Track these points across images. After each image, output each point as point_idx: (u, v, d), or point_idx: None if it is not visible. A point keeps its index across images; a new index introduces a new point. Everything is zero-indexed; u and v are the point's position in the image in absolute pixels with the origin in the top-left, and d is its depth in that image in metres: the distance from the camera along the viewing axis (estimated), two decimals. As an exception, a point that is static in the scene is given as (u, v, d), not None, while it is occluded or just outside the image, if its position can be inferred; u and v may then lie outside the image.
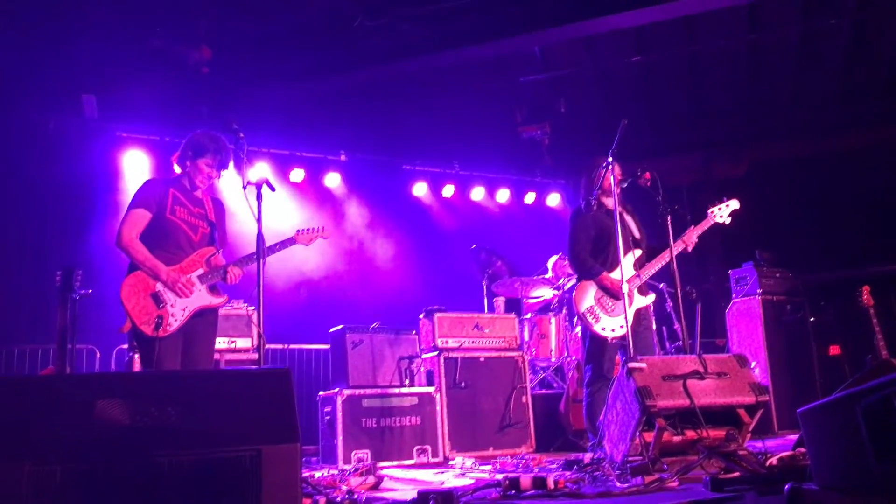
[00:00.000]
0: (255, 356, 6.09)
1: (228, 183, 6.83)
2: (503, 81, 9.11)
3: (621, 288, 4.84)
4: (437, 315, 6.53)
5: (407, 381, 6.37)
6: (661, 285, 6.86)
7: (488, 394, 6.42)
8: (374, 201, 9.69)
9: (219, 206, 4.68)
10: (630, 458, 3.96)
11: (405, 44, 8.01)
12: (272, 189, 4.19)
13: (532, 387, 6.88)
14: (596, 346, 5.16)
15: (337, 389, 5.94)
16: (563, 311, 7.62)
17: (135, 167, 8.09)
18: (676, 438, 3.97)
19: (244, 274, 4.47)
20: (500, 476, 3.79)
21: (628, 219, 5.35)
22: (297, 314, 8.34)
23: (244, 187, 4.09)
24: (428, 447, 6.06)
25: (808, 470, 2.92)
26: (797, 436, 4.63)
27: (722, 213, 5.27)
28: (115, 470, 2.45)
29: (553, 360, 7.54)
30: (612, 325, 5.09)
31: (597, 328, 5.10)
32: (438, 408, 6.18)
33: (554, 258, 8.22)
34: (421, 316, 6.73)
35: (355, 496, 3.48)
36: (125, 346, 6.70)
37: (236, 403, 2.66)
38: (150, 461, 2.47)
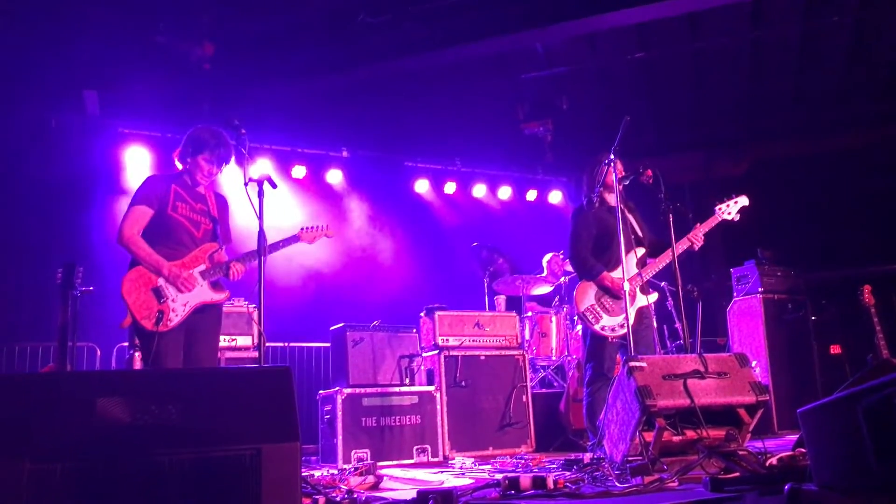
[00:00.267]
0: (256, 354, 6.09)
1: (230, 179, 6.83)
2: (505, 78, 9.10)
3: (622, 287, 4.83)
4: (437, 313, 6.53)
5: (407, 380, 6.37)
6: (663, 284, 6.85)
7: (488, 393, 6.42)
8: (375, 198, 9.68)
9: (222, 202, 4.68)
10: (630, 458, 3.95)
11: (407, 41, 8.00)
12: (274, 186, 4.17)
13: (532, 386, 6.88)
14: (596, 344, 5.15)
15: (337, 388, 5.94)
16: (564, 310, 7.62)
17: (136, 163, 8.09)
18: (676, 438, 3.96)
19: (246, 270, 4.47)
20: (499, 476, 3.79)
21: (630, 216, 5.34)
22: (297, 312, 8.34)
23: (246, 184, 4.09)
24: (428, 446, 6.06)
25: (808, 470, 2.92)
26: (797, 436, 4.62)
27: (730, 209, 5.25)
28: (115, 468, 2.45)
29: (554, 358, 7.55)
30: (612, 324, 5.09)
31: (597, 327, 5.09)
32: (438, 407, 6.18)
33: (548, 256, 8.21)
34: (422, 314, 6.73)
35: (355, 496, 3.48)
36: (125, 343, 6.71)
37: (236, 402, 2.65)
38: (150, 459, 2.47)
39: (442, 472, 5.17)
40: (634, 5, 7.50)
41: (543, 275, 8.16)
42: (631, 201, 5.47)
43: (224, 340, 6.55)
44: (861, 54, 8.89)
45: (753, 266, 7.43)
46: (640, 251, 5.27)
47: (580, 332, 6.10)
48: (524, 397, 6.54)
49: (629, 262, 5.06)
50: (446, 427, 6.14)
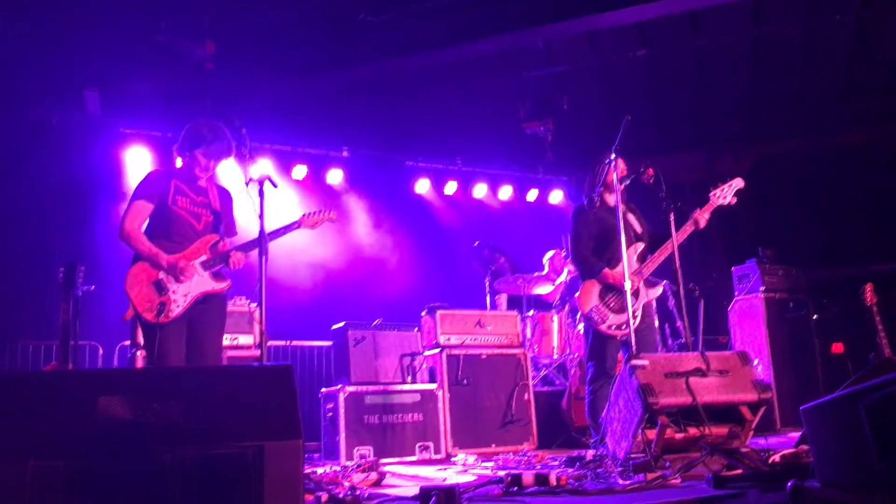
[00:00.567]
0: (258, 353, 6.09)
1: (231, 179, 6.84)
2: (506, 77, 9.10)
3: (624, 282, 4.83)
4: (439, 312, 6.53)
5: (409, 378, 6.37)
6: (665, 282, 6.85)
7: (490, 391, 6.42)
8: (376, 198, 9.68)
9: (225, 195, 4.70)
10: (632, 456, 3.96)
11: (408, 39, 8.00)
12: (274, 185, 4.18)
13: (534, 384, 6.88)
14: (598, 342, 5.15)
15: (339, 386, 5.94)
16: (566, 308, 7.62)
17: (138, 163, 8.09)
18: (679, 436, 3.96)
19: (247, 259, 4.47)
20: (502, 473, 3.79)
21: (631, 215, 5.34)
22: (299, 311, 8.34)
23: (246, 184, 4.10)
24: (430, 444, 6.06)
25: (810, 467, 2.92)
26: (800, 433, 4.63)
27: (725, 193, 5.24)
28: (117, 466, 2.45)
29: (555, 357, 7.55)
30: (618, 322, 5.08)
31: (604, 327, 5.09)
32: (441, 405, 6.18)
33: (550, 253, 8.22)
34: (423, 313, 6.73)
35: (357, 493, 3.48)
36: (127, 342, 6.71)
37: (239, 400, 2.66)
38: (152, 457, 2.47)
39: (444, 469, 5.17)
40: (635, 4, 7.49)
41: (545, 272, 8.17)
42: (632, 201, 5.47)
43: (226, 339, 6.54)
44: (862, 52, 8.88)
45: (755, 265, 7.42)
46: (640, 247, 5.27)
47: (581, 331, 6.10)
48: (526, 395, 6.53)
49: (629, 259, 5.05)
50: (449, 424, 6.14)
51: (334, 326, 6.53)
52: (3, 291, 7.33)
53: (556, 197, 10.68)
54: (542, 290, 8.15)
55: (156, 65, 7.66)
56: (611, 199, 5.24)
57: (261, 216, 4.10)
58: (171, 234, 4.35)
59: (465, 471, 4.92)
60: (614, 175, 5.01)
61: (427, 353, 6.53)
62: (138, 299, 4.17)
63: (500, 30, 7.86)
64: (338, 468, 4.66)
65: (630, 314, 4.77)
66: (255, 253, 4.18)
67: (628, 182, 5.10)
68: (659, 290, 5.33)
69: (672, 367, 4.08)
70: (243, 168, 4.14)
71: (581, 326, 6.20)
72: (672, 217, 4.90)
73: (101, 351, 7.36)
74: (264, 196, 4.15)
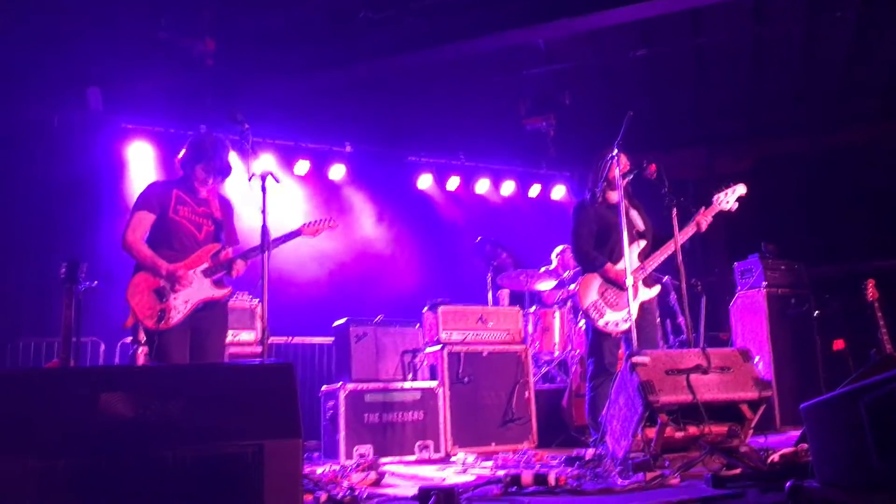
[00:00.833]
0: (259, 349, 6.09)
1: (234, 175, 6.83)
2: (508, 74, 9.08)
3: (626, 278, 4.83)
4: (441, 308, 6.52)
5: (410, 376, 6.37)
6: (666, 278, 6.84)
7: (491, 389, 6.41)
8: (378, 193, 9.69)
9: (226, 205, 4.76)
10: (632, 455, 3.96)
11: (409, 37, 7.98)
12: (277, 181, 4.21)
13: (535, 381, 6.88)
14: (599, 339, 5.15)
15: (340, 384, 5.94)
16: (568, 305, 7.62)
17: (140, 159, 8.10)
18: (678, 434, 3.96)
19: (248, 266, 4.53)
20: (501, 472, 3.79)
21: (633, 211, 5.33)
22: (300, 307, 8.34)
23: (249, 179, 4.12)
24: (430, 443, 6.06)
25: (810, 467, 2.92)
26: (800, 432, 4.62)
27: (728, 198, 5.24)
28: (118, 464, 2.46)
29: (556, 354, 7.54)
30: (616, 319, 5.08)
31: (601, 323, 5.09)
32: (441, 403, 6.17)
33: (559, 248, 8.22)
34: (425, 309, 6.72)
35: (356, 492, 3.48)
36: (129, 339, 6.72)
37: (239, 398, 2.66)
38: (153, 455, 2.47)
39: (444, 468, 5.17)
40: (637, 2, 7.47)
41: (553, 266, 8.17)
42: (635, 198, 5.46)
43: (227, 335, 6.55)
44: (863, 50, 8.85)
45: (757, 260, 7.40)
46: (642, 244, 5.27)
47: (583, 327, 6.10)
48: (526, 393, 6.53)
49: (631, 256, 5.04)
50: (449, 423, 6.14)
51: (335, 323, 6.53)
52: (5, 288, 7.35)
53: (559, 192, 10.67)
54: (545, 285, 8.14)
55: (157, 61, 7.66)
56: (613, 195, 5.24)
57: (263, 211, 4.13)
58: (172, 243, 4.42)
59: (465, 470, 4.92)
60: (617, 171, 5.01)
61: (428, 349, 6.53)
62: (139, 307, 4.24)
63: (501, 28, 7.84)
64: (337, 468, 4.67)
65: (630, 311, 4.78)
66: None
67: (631, 178, 5.10)
68: (658, 289, 5.33)
69: (673, 364, 4.07)
70: (246, 163, 4.16)
71: (582, 323, 6.21)
72: (674, 213, 4.89)
73: (102, 347, 7.37)
74: (267, 191, 4.17)
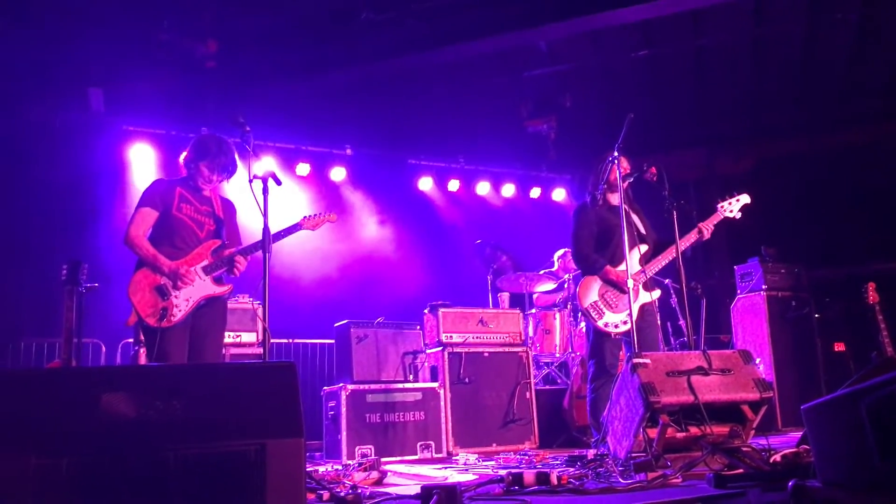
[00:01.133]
0: (260, 350, 6.11)
1: (235, 177, 6.84)
2: (509, 76, 9.10)
3: (626, 281, 4.83)
4: (441, 310, 6.53)
5: (411, 377, 6.38)
6: (667, 281, 6.85)
7: (492, 389, 6.43)
8: (379, 195, 9.70)
9: (228, 205, 4.79)
10: (633, 455, 3.96)
11: (411, 38, 8.00)
12: (278, 183, 4.22)
13: (536, 382, 6.89)
14: (599, 341, 5.15)
15: (341, 384, 5.95)
16: (568, 307, 7.62)
17: (141, 161, 8.13)
18: (680, 435, 3.96)
19: (248, 261, 4.54)
20: (503, 472, 3.79)
21: (634, 215, 5.33)
22: (301, 309, 8.36)
23: (250, 181, 4.12)
24: (431, 443, 6.07)
25: (811, 467, 2.92)
26: (801, 433, 4.62)
27: (732, 207, 5.25)
28: (120, 463, 2.45)
29: (557, 355, 7.55)
30: (615, 321, 5.09)
31: (600, 324, 5.10)
32: (442, 403, 6.18)
33: (560, 251, 8.23)
34: (425, 311, 6.73)
35: (359, 491, 3.48)
36: (130, 339, 6.72)
37: (241, 397, 2.66)
38: (155, 454, 2.47)
39: (445, 467, 5.17)
40: (638, 3, 7.49)
41: (554, 269, 8.17)
42: (636, 202, 5.47)
43: (228, 336, 6.57)
44: (864, 51, 8.86)
45: (757, 263, 7.41)
46: (643, 248, 5.26)
47: (584, 329, 6.11)
48: (528, 394, 6.54)
49: (632, 259, 5.05)
50: (450, 423, 6.15)
51: (337, 324, 6.54)
52: (6, 289, 7.35)
53: (559, 195, 10.69)
54: (545, 287, 8.15)
55: (158, 63, 7.67)
56: (613, 198, 5.25)
57: (264, 213, 4.13)
58: (174, 241, 4.44)
59: (467, 470, 4.92)
60: (617, 173, 5.02)
61: (429, 351, 6.54)
62: (141, 305, 4.25)
63: (503, 29, 7.86)
64: (339, 467, 4.67)
65: (631, 313, 4.78)
66: (259, 250, 4.22)
67: (631, 180, 5.11)
68: (658, 293, 5.33)
69: (674, 366, 4.07)
70: (247, 165, 4.16)
71: (583, 325, 6.21)
72: (675, 216, 4.89)
73: (104, 348, 7.37)
74: (268, 193, 4.17)
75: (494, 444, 6.23)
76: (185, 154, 4.66)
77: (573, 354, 7.32)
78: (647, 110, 9.74)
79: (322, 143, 9.26)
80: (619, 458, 4.05)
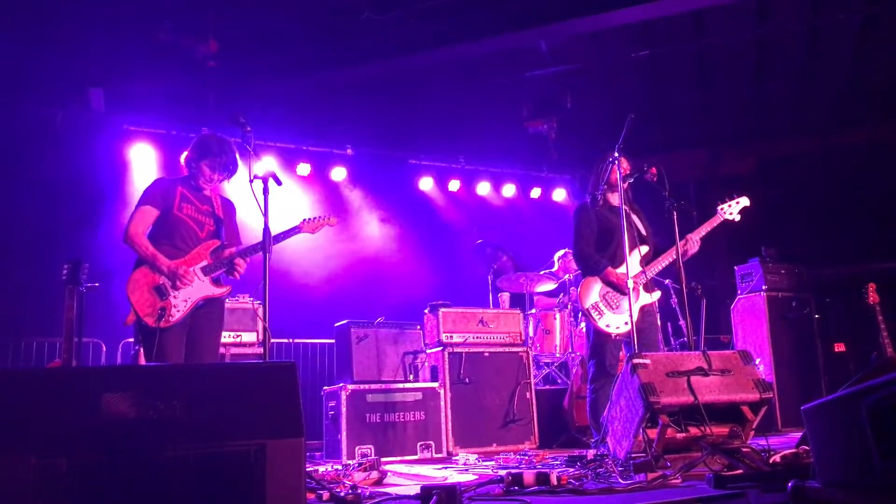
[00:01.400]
0: (260, 350, 6.11)
1: (236, 176, 6.85)
2: (509, 76, 9.09)
3: (626, 283, 4.83)
4: (441, 310, 6.54)
5: (411, 377, 6.38)
6: (667, 281, 6.86)
7: (492, 389, 6.43)
8: (379, 195, 9.71)
9: (228, 205, 4.81)
10: (633, 455, 3.96)
11: (411, 38, 8.00)
12: (279, 183, 4.22)
13: (536, 382, 6.89)
14: (599, 341, 5.15)
15: (341, 384, 5.95)
16: (569, 307, 7.62)
17: (142, 160, 8.14)
18: (680, 435, 3.96)
19: (248, 263, 4.55)
20: (503, 472, 3.79)
21: (634, 216, 5.33)
22: (302, 309, 8.36)
23: (251, 181, 4.13)
24: (431, 443, 6.08)
25: (811, 468, 2.91)
26: (801, 433, 4.63)
27: (732, 210, 5.24)
28: (120, 463, 2.45)
29: (557, 355, 7.55)
30: (616, 322, 5.09)
31: (601, 324, 5.10)
32: (442, 403, 6.19)
33: (560, 252, 8.23)
34: (426, 311, 6.74)
35: (359, 491, 3.49)
36: (131, 339, 6.73)
37: (241, 397, 2.66)
38: (155, 454, 2.47)
39: (445, 468, 5.18)
40: (639, 3, 7.48)
41: (554, 269, 8.17)
42: (635, 203, 5.46)
43: (229, 336, 6.58)
44: (867, 52, 8.85)
45: (757, 264, 7.41)
46: (644, 249, 5.26)
47: (584, 329, 6.11)
48: (528, 394, 6.54)
49: (632, 260, 5.05)
50: (450, 423, 6.15)
51: (337, 324, 6.54)
52: (7, 289, 7.35)
53: (560, 195, 10.68)
54: (545, 287, 8.15)
55: (159, 63, 7.67)
56: (614, 198, 5.25)
57: (265, 213, 4.13)
58: (174, 240, 4.45)
59: (467, 470, 4.92)
60: (618, 173, 5.02)
61: (429, 350, 6.54)
62: (139, 304, 4.26)
63: (503, 29, 7.85)
64: (339, 467, 4.68)
65: (631, 314, 4.78)
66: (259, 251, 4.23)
67: (632, 181, 5.10)
68: (659, 294, 5.34)
69: (674, 367, 4.08)
70: (248, 165, 4.16)
71: (583, 325, 6.22)
72: (675, 216, 4.89)
73: (104, 348, 7.38)
74: (269, 193, 4.17)
75: (494, 445, 6.23)
76: (186, 153, 4.68)
77: (573, 354, 7.32)
78: (647, 111, 9.75)
79: (323, 142, 9.26)
80: (619, 458, 4.05)
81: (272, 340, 4.16)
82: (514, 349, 6.65)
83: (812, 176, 9.86)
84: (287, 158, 8.95)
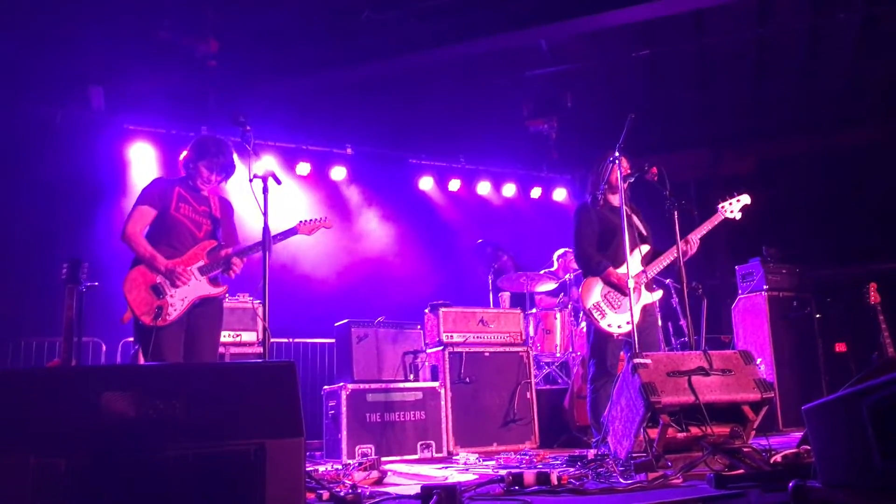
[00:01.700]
0: (260, 350, 6.10)
1: (235, 176, 6.84)
2: (510, 76, 9.09)
3: (627, 283, 4.83)
4: (442, 310, 6.53)
5: (411, 376, 6.38)
6: (668, 281, 6.85)
7: (493, 389, 6.43)
8: (379, 195, 9.70)
9: (226, 205, 4.81)
10: (634, 455, 3.95)
11: (411, 38, 8.00)
12: (278, 182, 4.22)
13: (536, 382, 6.89)
14: (600, 341, 5.15)
15: (341, 384, 5.95)
16: (569, 307, 7.62)
17: (141, 160, 8.13)
18: (681, 435, 3.96)
19: (245, 264, 4.55)
20: (503, 471, 3.79)
21: (635, 217, 5.32)
22: (302, 308, 8.35)
23: (250, 180, 4.12)
24: (432, 442, 6.07)
25: (812, 468, 2.91)
26: (802, 433, 4.62)
27: (732, 207, 5.24)
28: (119, 463, 2.45)
29: (558, 355, 7.55)
30: (618, 322, 5.08)
31: (603, 324, 5.09)
32: (443, 403, 6.18)
33: (560, 251, 8.23)
34: (426, 310, 6.73)
35: (359, 491, 3.48)
36: (131, 338, 6.72)
37: (241, 397, 2.66)
38: (154, 454, 2.47)
39: (446, 467, 5.17)
40: (640, 2, 7.47)
41: (554, 269, 8.17)
42: (634, 203, 5.45)
43: (228, 336, 6.58)
44: (868, 51, 8.85)
45: (758, 263, 7.41)
46: (645, 249, 5.25)
47: (584, 329, 6.10)
48: (528, 394, 6.54)
49: (633, 260, 5.04)
50: (450, 423, 6.15)
51: (337, 323, 6.53)
52: (6, 288, 7.34)
53: (560, 195, 10.68)
54: (546, 287, 8.15)
55: (160, 62, 7.67)
56: (614, 198, 5.24)
57: (264, 213, 4.13)
58: (171, 240, 4.46)
59: (467, 469, 4.92)
60: (618, 173, 5.01)
61: (430, 350, 6.54)
62: (136, 303, 4.27)
63: (504, 29, 7.85)
64: (339, 466, 4.67)
65: (631, 314, 4.77)
66: (258, 251, 4.23)
67: (632, 180, 5.09)
68: (660, 293, 5.33)
69: (675, 366, 4.07)
70: (247, 165, 4.16)
71: (584, 324, 6.21)
72: (676, 215, 4.88)
73: (104, 347, 7.37)
74: (268, 193, 4.17)
75: (495, 444, 6.23)
76: (184, 154, 4.67)
77: (574, 354, 7.31)
78: (649, 110, 9.74)
79: (322, 142, 9.26)
80: (620, 458, 4.05)
81: (272, 340, 4.15)
82: (515, 349, 6.65)
83: (812, 176, 9.85)
84: (287, 158, 8.94)
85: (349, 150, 9.40)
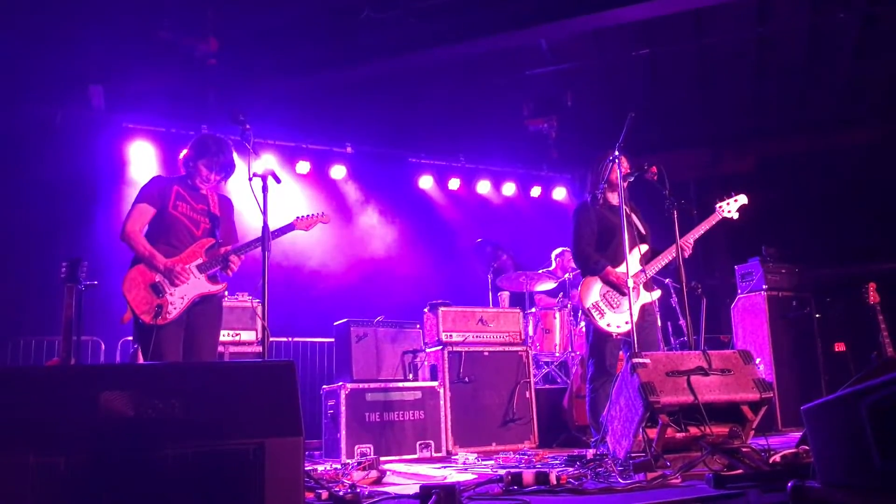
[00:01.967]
0: (259, 349, 6.10)
1: (235, 174, 6.84)
2: (510, 75, 9.09)
3: (626, 283, 4.82)
4: (441, 309, 6.53)
5: (410, 376, 6.38)
6: (667, 281, 6.85)
7: (492, 388, 6.42)
8: (379, 194, 9.70)
9: (225, 203, 4.80)
10: (633, 455, 3.96)
11: (411, 37, 7.99)
12: (278, 181, 4.22)
13: (536, 382, 6.89)
14: (599, 341, 5.14)
15: (340, 383, 5.95)
16: (568, 306, 7.62)
17: (141, 158, 8.14)
18: (680, 435, 3.96)
19: (247, 262, 4.55)
20: (502, 471, 3.79)
21: (634, 216, 5.32)
22: (301, 307, 8.35)
23: (250, 179, 4.12)
24: (431, 442, 6.07)
25: (811, 468, 2.91)
26: (801, 433, 4.62)
27: (730, 207, 5.24)
28: (118, 462, 2.45)
29: (557, 354, 7.55)
30: (617, 321, 5.08)
31: (601, 324, 5.09)
32: (442, 402, 6.18)
33: (558, 250, 8.23)
34: (425, 310, 6.73)
35: (358, 490, 3.48)
36: (130, 337, 6.72)
37: (240, 396, 2.65)
38: (153, 453, 2.47)
39: (445, 467, 5.17)
40: (640, 2, 7.47)
41: (552, 268, 8.17)
42: (634, 202, 5.45)
43: (228, 335, 6.57)
44: (868, 51, 8.85)
45: (758, 263, 7.41)
46: (644, 248, 5.25)
47: (584, 329, 6.10)
48: (527, 393, 6.54)
49: (632, 259, 5.04)
50: (449, 422, 6.15)
51: (336, 323, 6.53)
52: (6, 286, 7.35)
53: (560, 194, 10.68)
54: (545, 286, 8.15)
55: (160, 61, 7.67)
56: (613, 197, 5.24)
57: (264, 211, 4.12)
58: (170, 238, 4.45)
59: (466, 469, 4.92)
60: (618, 172, 5.01)
61: (429, 349, 6.54)
62: (136, 301, 4.26)
63: (504, 28, 7.84)
64: (338, 466, 4.67)
65: (630, 314, 4.77)
66: (257, 249, 4.23)
67: (632, 180, 5.09)
68: (659, 293, 5.33)
69: (674, 366, 4.07)
70: (247, 163, 4.16)
71: (583, 324, 6.21)
72: (675, 214, 4.88)
73: (103, 346, 7.37)
74: (268, 191, 4.17)
75: (494, 444, 6.23)
76: (184, 153, 4.67)
77: (573, 354, 7.31)
78: (649, 110, 9.74)
79: (322, 141, 9.25)
80: (619, 457, 4.05)
81: (271, 339, 4.14)
82: (514, 348, 6.65)
83: (812, 176, 9.85)
84: (287, 156, 8.94)
85: (349, 149, 9.40)
